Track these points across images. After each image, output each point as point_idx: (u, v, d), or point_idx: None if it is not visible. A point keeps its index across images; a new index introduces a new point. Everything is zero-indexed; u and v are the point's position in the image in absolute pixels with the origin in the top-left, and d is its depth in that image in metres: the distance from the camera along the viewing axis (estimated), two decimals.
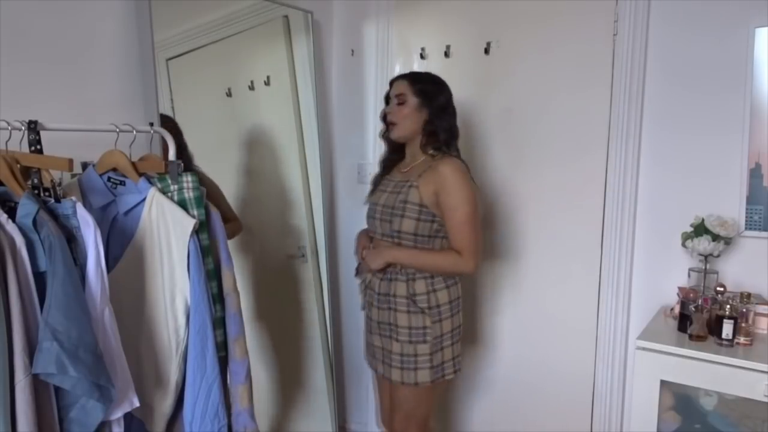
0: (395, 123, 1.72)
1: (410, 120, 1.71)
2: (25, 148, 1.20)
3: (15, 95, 1.37)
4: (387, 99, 1.79)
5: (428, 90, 1.71)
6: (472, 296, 2.24)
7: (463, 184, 1.63)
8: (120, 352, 1.17)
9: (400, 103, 1.71)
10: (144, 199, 1.33)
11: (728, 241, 1.71)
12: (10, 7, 1.40)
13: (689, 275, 1.78)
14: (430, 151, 1.72)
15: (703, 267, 1.75)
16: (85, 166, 1.37)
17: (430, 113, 1.71)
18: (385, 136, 1.82)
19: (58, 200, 1.16)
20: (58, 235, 1.08)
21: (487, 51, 2.17)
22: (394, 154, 1.83)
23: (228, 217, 1.81)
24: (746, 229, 1.75)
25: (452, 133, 1.74)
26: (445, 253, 1.68)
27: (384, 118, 1.78)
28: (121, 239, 1.33)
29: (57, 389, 1.09)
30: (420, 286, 1.67)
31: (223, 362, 1.41)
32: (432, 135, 1.71)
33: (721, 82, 1.77)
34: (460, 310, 1.75)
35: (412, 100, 1.70)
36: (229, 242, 1.48)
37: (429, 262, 1.68)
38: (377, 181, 1.84)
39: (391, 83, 1.78)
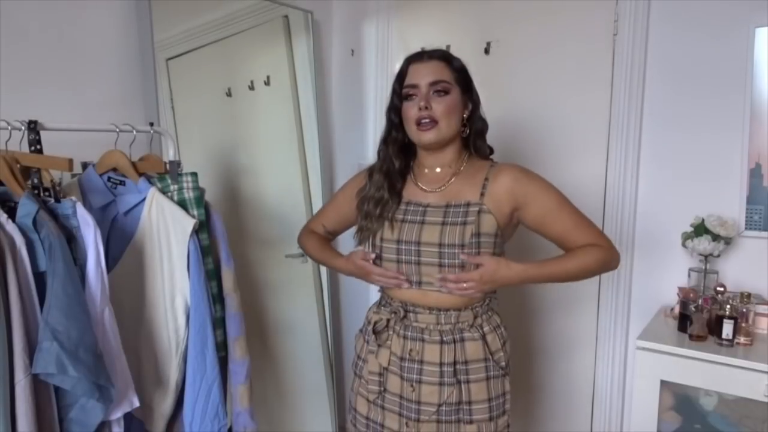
0: (437, 120, 1.26)
1: (455, 116, 1.29)
2: (25, 148, 1.20)
3: (15, 95, 1.37)
4: (399, 91, 1.32)
5: (466, 74, 1.34)
6: None
7: (538, 177, 1.32)
8: (120, 352, 1.17)
9: (443, 92, 1.27)
10: (144, 199, 1.33)
11: (728, 241, 1.71)
12: (10, 7, 1.40)
13: (689, 275, 1.78)
14: (484, 155, 1.37)
15: (703, 267, 1.75)
16: (85, 166, 1.37)
17: (472, 107, 1.34)
18: (395, 139, 1.36)
19: (58, 200, 1.16)
20: (58, 235, 1.08)
21: (487, 51, 2.16)
22: (400, 164, 1.37)
23: None
24: (746, 229, 1.75)
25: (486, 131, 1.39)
26: (585, 252, 1.27)
27: (418, 117, 1.27)
28: (121, 239, 1.33)
29: (57, 389, 1.09)
30: (494, 340, 1.31)
31: (223, 362, 1.41)
32: (478, 136, 1.36)
33: (721, 81, 1.76)
34: None
35: (455, 89, 1.29)
36: (229, 242, 1.48)
37: (574, 267, 1.27)
38: (385, 206, 1.33)
39: (409, 64, 1.32)
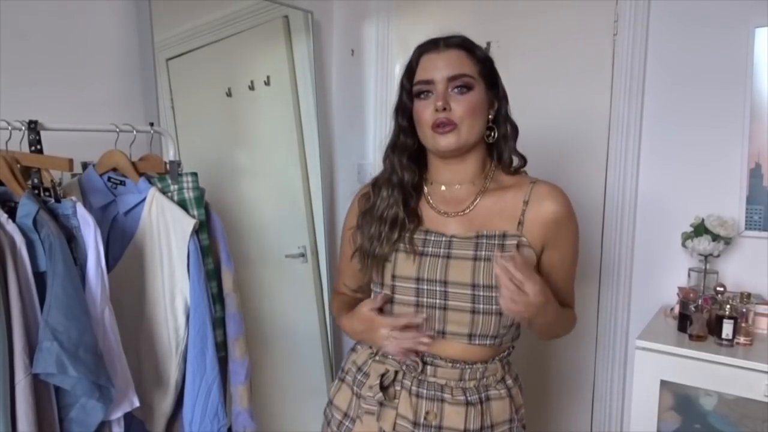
0: (457, 123, 1.01)
1: (480, 118, 1.04)
2: (25, 148, 1.20)
3: (15, 95, 1.37)
4: (408, 86, 1.07)
5: (492, 66, 1.10)
6: None
7: (576, 221, 1.08)
8: (120, 352, 1.17)
9: (465, 88, 1.02)
10: (144, 199, 1.33)
11: (728, 241, 1.71)
12: (10, 7, 1.40)
13: (689, 275, 1.78)
14: (516, 168, 1.11)
15: (703, 267, 1.74)
16: (85, 166, 1.37)
17: (498, 105, 1.11)
18: (404, 146, 1.10)
19: (58, 200, 1.16)
20: (59, 235, 1.08)
21: (487, 51, 2.16)
22: (411, 176, 1.11)
23: None
24: (746, 229, 1.75)
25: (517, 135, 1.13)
26: (566, 311, 1.13)
27: (434, 121, 1.02)
28: (121, 239, 1.33)
29: (57, 389, 1.09)
30: (517, 394, 1.12)
31: (223, 362, 1.41)
32: (507, 142, 1.10)
33: (721, 81, 1.76)
34: None
35: (479, 84, 1.05)
36: (229, 242, 1.48)
37: (563, 322, 1.12)
38: (400, 227, 1.07)
39: (421, 55, 1.06)
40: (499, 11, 2.14)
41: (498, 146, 1.10)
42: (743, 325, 1.57)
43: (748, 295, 1.65)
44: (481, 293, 1.00)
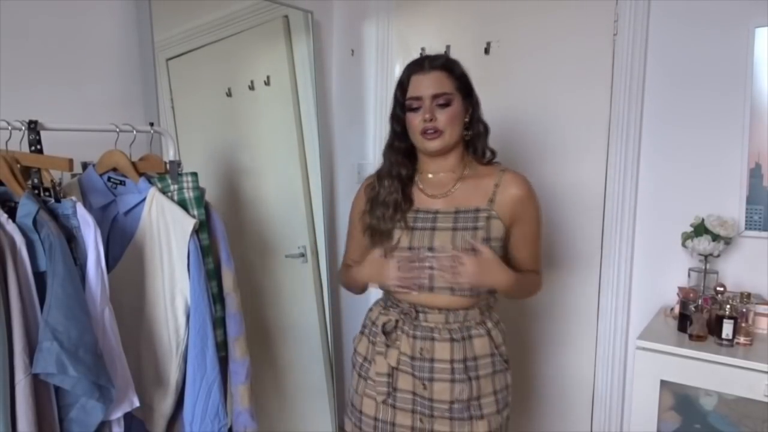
0: (442, 130, 1.30)
1: (458, 124, 1.32)
2: (25, 148, 1.20)
3: (15, 95, 1.37)
4: (401, 100, 1.34)
5: (467, 80, 1.35)
6: None
7: (538, 202, 1.37)
8: (120, 352, 1.17)
9: (446, 104, 1.30)
10: (144, 199, 1.33)
11: (728, 241, 1.71)
12: (10, 7, 1.40)
13: (689, 275, 1.78)
14: (488, 159, 1.38)
15: (703, 267, 1.75)
16: (85, 166, 1.37)
17: (472, 110, 1.36)
18: (398, 147, 1.39)
19: (58, 200, 1.16)
20: (58, 235, 1.08)
21: (487, 51, 2.16)
22: (407, 170, 1.40)
23: None
24: (746, 229, 1.75)
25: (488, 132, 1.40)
26: (530, 275, 1.39)
27: (423, 128, 1.31)
28: (121, 239, 1.33)
29: (57, 389, 1.09)
30: (497, 335, 1.37)
31: (224, 362, 1.41)
32: (479, 139, 1.37)
33: (721, 81, 1.76)
34: None
35: (457, 97, 1.31)
36: (229, 242, 1.48)
37: (527, 285, 1.39)
38: (399, 209, 1.35)
39: (410, 75, 1.32)
40: (499, 11, 2.15)
41: (473, 143, 1.37)
42: (743, 325, 1.57)
43: (748, 295, 1.65)
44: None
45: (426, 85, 1.29)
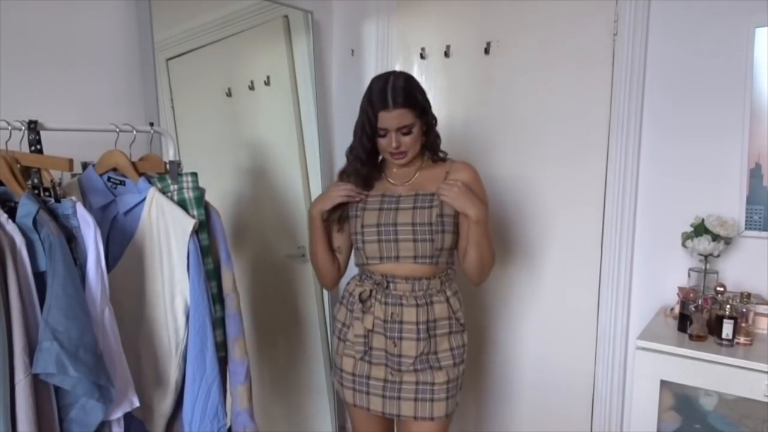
0: (406, 151, 1.56)
1: (419, 141, 1.58)
2: (25, 148, 1.20)
3: (15, 95, 1.37)
4: (373, 129, 1.55)
5: (424, 105, 1.58)
6: (470, 297, 2.24)
7: (483, 187, 1.61)
8: (120, 352, 1.17)
9: (408, 132, 1.54)
10: (144, 199, 1.33)
11: (728, 241, 1.71)
12: (10, 7, 1.40)
13: (689, 275, 1.78)
14: (440, 157, 1.64)
15: (703, 267, 1.75)
16: (85, 166, 1.37)
17: (427, 124, 1.60)
18: (360, 158, 1.61)
19: (58, 200, 1.16)
20: (58, 235, 1.08)
21: (487, 51, 2.16)
22: (370, 165, 1.63)
23: None
24: (746, 229, 1.75)
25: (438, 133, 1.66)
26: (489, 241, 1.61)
27: (390, 151, 1.56)
28: (121, 239, 1.33)
29: (57, 389, 1.09)
30: (455, 302, 1.61)
31: (223, 362, 1.42)
32: (434, 141, 1.63)
33: (721, 81, 1.77)
34: None
35: (417, 123, 1.55)
36: (229, 242, 1.48)
37: (490, 242, 1.57)
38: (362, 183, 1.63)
39: (377, 112, 1.53)
40: (499, 11, 2.15)
41: (429, 147, 1.63)
42: (743, 325, 1.57)
43: (748, 295, 1.65)
44: (418, 228, 1.54)
45: (391, 121, 1.52)
